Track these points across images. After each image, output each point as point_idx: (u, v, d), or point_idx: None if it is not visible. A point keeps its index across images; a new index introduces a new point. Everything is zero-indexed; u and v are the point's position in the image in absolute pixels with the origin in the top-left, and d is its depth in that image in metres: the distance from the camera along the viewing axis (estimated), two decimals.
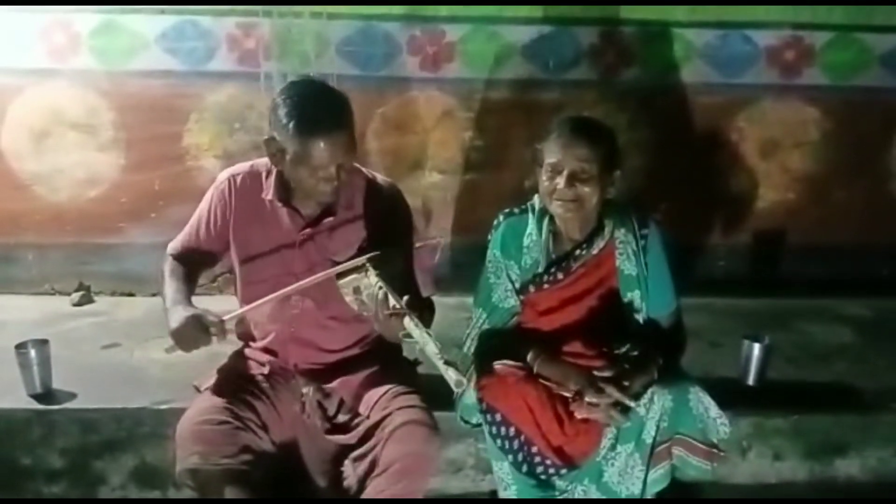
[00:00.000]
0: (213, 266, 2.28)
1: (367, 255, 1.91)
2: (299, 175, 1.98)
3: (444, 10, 3.33)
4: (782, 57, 3.50)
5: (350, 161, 2.00)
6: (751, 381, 2.62)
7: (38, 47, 3.25)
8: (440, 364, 1.73)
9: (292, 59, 3.27)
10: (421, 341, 1.76)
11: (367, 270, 1.90)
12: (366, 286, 1.90)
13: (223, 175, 2.18)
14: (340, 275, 1.92)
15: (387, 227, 2.13)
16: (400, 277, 1.95)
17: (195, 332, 1.89)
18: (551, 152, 2.05)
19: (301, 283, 1.96)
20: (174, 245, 2.22)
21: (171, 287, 2.07)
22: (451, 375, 1.71)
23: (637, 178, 3.45)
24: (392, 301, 1.81)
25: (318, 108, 1.95)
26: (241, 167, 2.18)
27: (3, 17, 3.20)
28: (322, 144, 1.91)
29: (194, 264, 2.19)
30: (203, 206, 2.18)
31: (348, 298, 1.94)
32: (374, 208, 2.14)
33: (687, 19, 3.42)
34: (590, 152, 2.01)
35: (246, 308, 2.03)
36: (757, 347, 2.60)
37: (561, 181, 2.02)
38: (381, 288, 1.85)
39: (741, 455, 2.53)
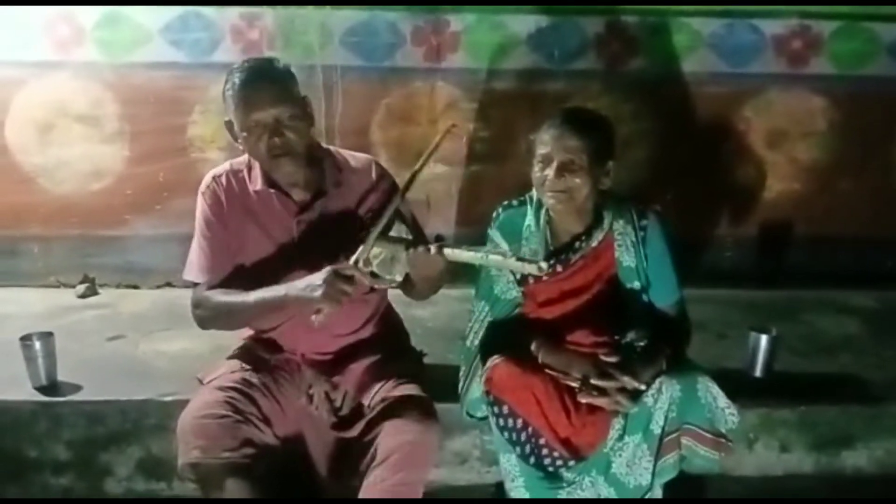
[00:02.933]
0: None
1: (374, 230, 1.92)
2: (251, 148, 2.01)
3: (447, 4, 3.32)
4: (789, 46, 3.47)
5: (294, 116, 2.00)
6: (758, 372, 2.61)
7: (42, 40, 3.24)
8: (513, 262, 1.82)
9: (296, 50, 3.25)
10: (478, 257, 1.83)
11: (377, 239, 1.91)
12: (375, 256, 1.91)
13: (206, 179, 2.16)
14: (348, 254, 1.92)
15: (377, 195, 2.15)
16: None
17: (342, 283, 1.86)
18: (542, 143, 2.05)
19: (356, 254, 1.93)
20: (206, 275, 2.09)
21: (253, 294, 2.00)
22: (529, 268, 1.80)
23: (643, 168, 3.45)
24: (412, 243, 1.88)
25: (248, 68, 2.03)
26: (220, 168, 2.17)
27: (7, 10, 3.19)
28: (252, 99, 1.96)
29: (228, 279, 2.10)
30: (203, 214, 2.13)
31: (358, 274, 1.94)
32: (360, 181, 2.16)
33: (693, 8, 3.40)
34: (579, 143, 2.01)
35: (368, 244, 1.92)
36: (764, 339, 2.59)
37: (551, 172, 2.02)
38: (406, 237, 1.90)
39: (748, 447, 2.52)
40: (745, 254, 3.66)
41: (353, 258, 1.91)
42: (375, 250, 1.92)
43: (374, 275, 1.94)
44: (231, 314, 2.05)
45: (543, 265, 1.80)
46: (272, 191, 2.09)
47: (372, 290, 2.10)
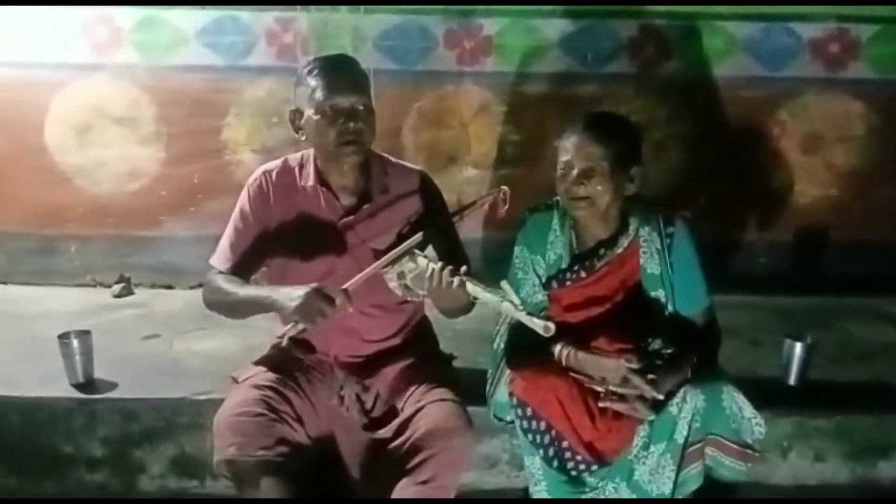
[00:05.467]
0: (259, 267, 2.21)
1: (413, 240, 1.93)
2: (320, 133, 2.02)
3: (481, 4, 3.32)
4: (827, 50, 3.43)
5: (367, 111, 2.04)
6: (792, 380, 2.57)
7: (81, 42, 3.31)
8: (523, 316, 1.79)
9: (329, 54, 3.27)
10: (493, 301, 1.82)
11: (412, 254, 1.92)
12: (409, 270, 1.92)
13: (257, 172, 2.19)
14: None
15: (422, 208, 2.16)
16: (445, 255, 1.97)
17: (320, 303, 1.88)
18: (564, 150, 2.06)
19: (353, 279, 1.95)
20: (223, 258, 2.15)
21: (248, 288, 2.07)
22: (537, 323, 1.78)
23: (677, 172, 3.43)
24: (440, 271, 1.86)
25: (333, 58, 2.14)
26: (274, 163, 2.20)
27: (47, 13, 3.26)
28: (336, 82, 2.00)
29: (244, 270, 2.15)
30: (241, 205, 2.17)
31: (392, 284, 1.95)
32: (407, 191, 2.17)
33: (729, 11, 3.37)
34: (600, 150, 2.00)
35: (366, 272, 1.95)
36: (799, 346, 2.55)
37: (572, 179, 2.02)
38: (433, 265, 1.88)
39: (782, 456, 2.49)
40: (781, 259, 3.61)
41: (347, 283, 1.93)
42: (410, 265, 1.93)
43: (406, 287, 1.95)
44: (225, 303, 2.09)
45: (551, 326, 1.78)
46: (322, 189, 2.11)
47: (406, 300, 2.09)
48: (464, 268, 1.87)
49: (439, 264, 1.88)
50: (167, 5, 3.27)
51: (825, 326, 3.12)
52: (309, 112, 2.03)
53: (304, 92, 2.04)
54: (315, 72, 2.03)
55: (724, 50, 3.41)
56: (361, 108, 2.02)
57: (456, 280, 1.85)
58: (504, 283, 1.84)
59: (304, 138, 2.09)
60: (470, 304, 1.94)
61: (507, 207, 2.04)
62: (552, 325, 1.78)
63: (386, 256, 1.95)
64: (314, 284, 1.91)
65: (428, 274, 1.89)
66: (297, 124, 2.08)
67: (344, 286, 1.92)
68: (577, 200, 2.04)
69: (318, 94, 2.00)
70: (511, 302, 1.80)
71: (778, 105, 3.49)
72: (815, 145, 3.54)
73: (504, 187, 2.06)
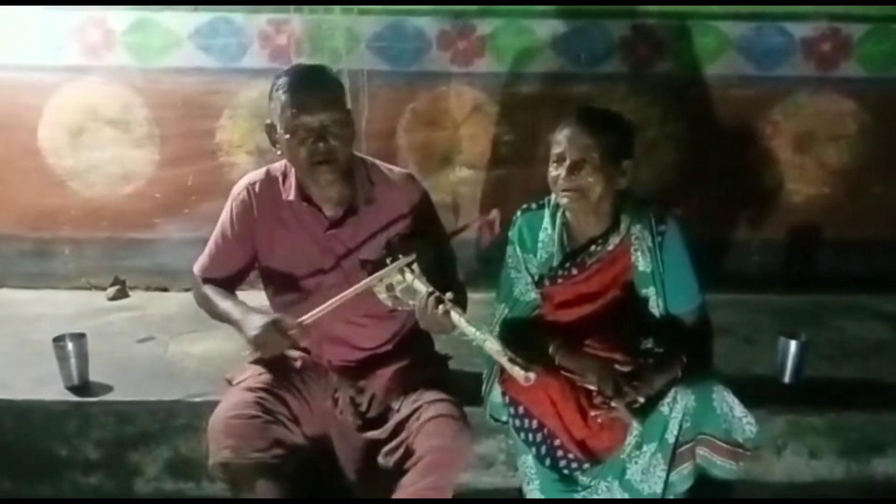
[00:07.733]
0: (243, 279, 2.22)
1: (406, 259, 1.94)
2: (292, 151, 1.99)
3: (474, 5, 3.32)
4: (818, 49, 3.44)
5: (341, 125, 1.99)
6: (787, 378, 2.58)
7: (73, 45, 3.29)
8: (505, 362, 1.79)
9: (323, 56, 3.27)
10: (478, 339, 1.82)
11: (402, 269, 1.92)
12: (398, 282, 1.93)
13: (240, 184, 2.16)
14: (376, 266, 1.95)
15: (410, 216, 2.15)
16: (436, 267, 1.98)
17: (276, 336, 1.92)
18: (556, 142, 2.06)
19: (346, 293, 1.96)
20: (203, 267, 2.20)
21: (227, 302, 2.08)
22: (517, 372, 1.77)
23: (670, 171, 3.44)
24: (426, 297, 1.86)
25: (302, 72, 2.07)
26: (257, 174, 2.17)
27: (38, 15, 3.25)
28: (304, 101, 1.96)
29: (227, 281, 2.18)
30: (224, 218, 2.16)
31: (381, 296, 1.96)
32: (393, 199, 2.15)
33: (721, 10, 3.37)
34: (591, 141, 2.01)
35: (321, 308, 1.97)
36: (793, 344, 2.56)
37: (563, 171, 2.03)
38: (420, 284, 1.89)
39: (776, 453, 2.50)
40: (774, 257, 3.62)
41: (304, 316, 1.94)
42: (398, 277, 1.94)
43: (395, 298, 1.97)
44: (210, 311, 2.15)
45: (531, 376, 1.76)
46: (304, 204, 2.09)
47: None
48: (449, 294, 1.87)
49: (426, 290, 1.89)
50: (160, 6, 3.26)
51: (819, 324, 3.14)
52: (280, 130, 2.00)
53: (275, 108, 2.00)
54: (284, 87, 1.98)
55: (716, 49, 3.42)
56: (332, 123, 1.97)
57: (441, 308, 1.85)
58: (485, 329, 1.85)
59: (279, 153, 2.07)
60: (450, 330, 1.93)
61: (497, 233, 2.05)
62: (532, 375, 1.77)
63: (371, 277, 1.97)
64: (275, 316, 1.95)
65: (412, 290, 1.91)
66: (273, 138, 2.05)
67: (301, 318, 1.94)
68: (568, 192, 2.04)
69: (287, 113, 1.96)
70: (492, 345, 1.81)
71: (770, 104, 3.50)
72: (807, 144, 3.55)
73: (495, 211, 2.07)
